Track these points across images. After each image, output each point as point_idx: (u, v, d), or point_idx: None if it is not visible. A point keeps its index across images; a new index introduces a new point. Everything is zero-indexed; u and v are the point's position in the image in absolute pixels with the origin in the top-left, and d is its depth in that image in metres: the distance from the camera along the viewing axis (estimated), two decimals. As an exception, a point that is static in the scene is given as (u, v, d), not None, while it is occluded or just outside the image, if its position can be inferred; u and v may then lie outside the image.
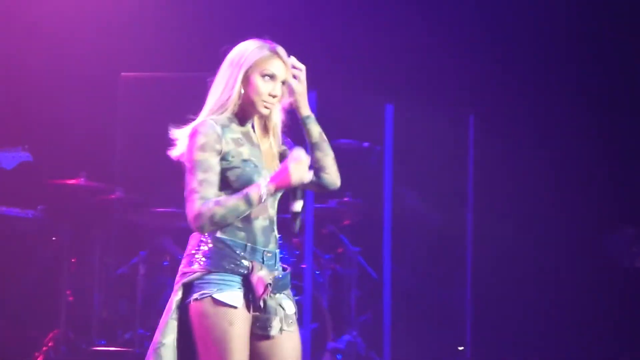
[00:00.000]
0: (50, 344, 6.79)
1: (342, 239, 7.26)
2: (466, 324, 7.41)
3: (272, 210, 3.58)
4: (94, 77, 7.28)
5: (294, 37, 7.18)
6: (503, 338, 7.45)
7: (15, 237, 7.02)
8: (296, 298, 6.81)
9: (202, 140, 3.46)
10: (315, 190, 3.74)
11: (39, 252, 7.10)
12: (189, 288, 3.48)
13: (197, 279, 3.46)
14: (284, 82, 3.58)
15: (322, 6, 7.58)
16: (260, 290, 3.46)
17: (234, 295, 3.44)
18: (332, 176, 3.67)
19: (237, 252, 3.48)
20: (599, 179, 7.44)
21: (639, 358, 6.99)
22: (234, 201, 3.41)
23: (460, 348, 7.41)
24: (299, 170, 3.43)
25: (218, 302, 3.42)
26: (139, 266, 6.98)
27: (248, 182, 3.47)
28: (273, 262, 3.55)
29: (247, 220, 3.50)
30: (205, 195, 3.42)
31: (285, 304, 3.58)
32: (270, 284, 3.49)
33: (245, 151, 3.53)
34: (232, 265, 3.47)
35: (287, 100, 3.62)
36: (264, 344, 3.54)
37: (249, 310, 3.48)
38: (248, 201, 3.42)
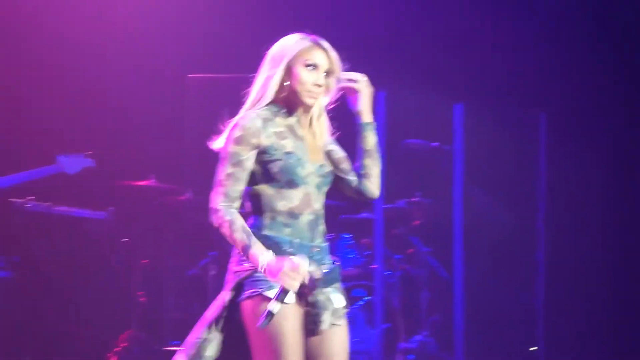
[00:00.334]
0: (123, 345, 6.83)
1: (412, 239, 7.24)
2: (538, 324, 7.35)
3: (318, 205, 3.59)
4: (160, 79, 7.34)
5: (362, 40, 7.25)
6: (576, 338, 7.39)
7: (87, 238, 7.09)
8: (367, 298, 6.89)
9: (239, 133, 3.50)
10: (354, 197, 3.75)
11: (110, 254, 7.16)
12: (239, 286, 3.51)
13: (248, 277, 3.48)
14: (328, 74, 3.59)
15: (391, 8, 7.57)
16: (310, 285, 3.48)
17: None
18: (374, 186, 3.70)
19: (284, 248, 3.49)
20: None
21: None
22: (239, 236, 3.45)
23: (533, 348, 7.36)
24: (289, 281, 3.38)
25: (269, 300, 3.41)
26: (209, 267, 7.01)
27: (291, 174, 3.51)
28: (321, 256, 3.57)
29: (293, 215, 3.53)
30: (228, 192, 3.49)
31: (334, 298, 3.58)
32: (319, 279, 3.51)
33: (289, 144, 3.55)
34: None
35: (333, 93, 3.62)
36: (315, 339, 3.55)
37: (300, 306, 3.50)
38: (245, 251, 3.44)
